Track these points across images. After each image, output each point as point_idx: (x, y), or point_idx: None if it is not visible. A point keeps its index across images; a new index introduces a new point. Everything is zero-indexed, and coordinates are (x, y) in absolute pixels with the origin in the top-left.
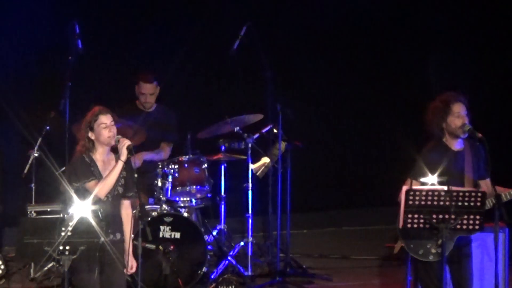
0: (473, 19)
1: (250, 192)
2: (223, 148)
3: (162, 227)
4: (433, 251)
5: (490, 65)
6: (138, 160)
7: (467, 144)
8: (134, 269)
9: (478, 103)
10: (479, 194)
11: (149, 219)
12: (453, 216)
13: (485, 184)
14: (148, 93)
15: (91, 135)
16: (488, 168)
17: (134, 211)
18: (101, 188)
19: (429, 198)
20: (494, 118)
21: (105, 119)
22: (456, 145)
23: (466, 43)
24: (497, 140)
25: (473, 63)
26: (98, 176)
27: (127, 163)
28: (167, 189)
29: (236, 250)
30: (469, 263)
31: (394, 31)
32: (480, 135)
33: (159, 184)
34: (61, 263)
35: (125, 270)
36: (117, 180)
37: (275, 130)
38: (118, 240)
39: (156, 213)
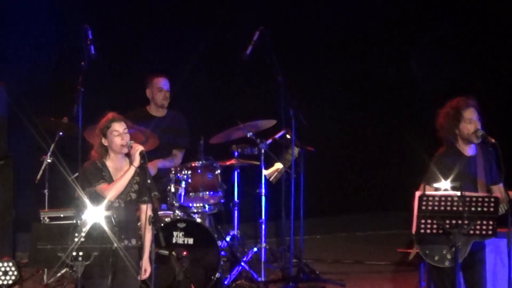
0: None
1: (263, 198)
2: (236, 153)
3: (175, 233)
4: (448, 257)
5: (492, 66)
6: (153, 168)
7: (479, 149)
8: (147, 275)
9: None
10: (492, 200)
11: (162, 225)
12: (466, 222)
13: (498, 189)
14: (166, 88)
15: (104, 142)
16: (501, 173)
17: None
18: (111, 191)
19: (442, 203)
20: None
21: (118, 127)
22: (469, 150)
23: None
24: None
25: (482, 65)
26: (109, 181)
27: (141, 168)
28: (180, 194)
29: (250, 255)
30: (482, 269)
31: (407, 36)
32: (493, 140)
33: (172, 189)
34: (74, 269)
35: (138, 276)
36: (130, 186)
37: (288, 136)
38: (132, 246)
39: (169, 219)
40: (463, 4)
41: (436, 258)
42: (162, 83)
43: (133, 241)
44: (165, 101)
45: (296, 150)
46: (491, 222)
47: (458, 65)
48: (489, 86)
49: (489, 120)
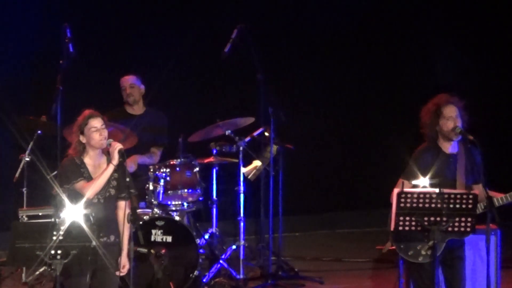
0: (470, 20)
1: (242, 195)
2: (214, 151)
3: (154, 231)
4: (423, 252)
5: (493, 67)
6: (133, 164)
7: (461, 147)
8: (125, 270)
9: (482, 105)
10: (471, 196)
11: (141, 223)
12: (444, 219)
13: (478, 189)
14: (127, 85)
15: (82, 139)
16: (481, 172)
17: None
18: (90, 189)
19: (421, 200)
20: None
21: (96, 123)
22: (450, 148)
23: (466, 42)
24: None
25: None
26: (88, 178)
27: (120, 166)
28: (158, 192)
29: (228, 253)
30: (462, 265)
31: (386, 34)
32: (471, 137)
33: (151, 187)
34: (53, 267)
35: (116, 272)
36: (109, 182)
37: (266, 133)
38: (112, 242)
39: (147, 216)
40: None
41: (410, 253)
42: (122, 82)
43: (112, 238)
44: (129, 97)
45: (274, 148)
46: (469, 219)
47: (447, 60)
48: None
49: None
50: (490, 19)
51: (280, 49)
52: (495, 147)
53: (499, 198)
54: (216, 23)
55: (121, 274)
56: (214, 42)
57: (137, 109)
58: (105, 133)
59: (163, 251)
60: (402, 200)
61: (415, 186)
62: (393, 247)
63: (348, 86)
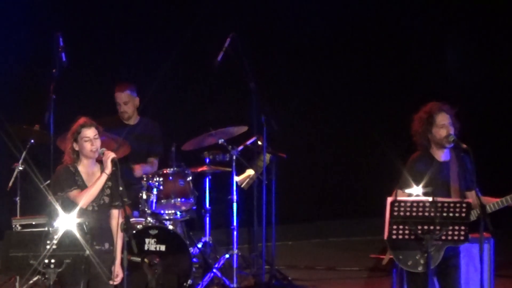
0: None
1: (235, 204)
2: (207, 160)
3: (147, 240)
4: (422, 262)
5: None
6: (139, 171)
7: (453, 154)
8: (119, 279)
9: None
10: (464, 205)
11: (134, 232)
12: (438, 227)
13: (471, 195)
14: (121, 102)
15: (75, 147)
16: (474, 179)
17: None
18: (84, 198)
19: (414, 209)
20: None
21: (89, 133)
22: (442, 155)
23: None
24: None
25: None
26: (82, 186)
27: (113, 175)
28: (152, 201)
29: (222, 262)
30: (457, 274)
31: (378, 42)
32: (465, 146)
33: (144, 196)
34: (46, 276)
35: (110, 281)
36: (102, 190)
37: (259, 142)
38: (106, 250)
39: (141, 225)
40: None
41: (409, 263)
42: (117, 97)
43: (106, 245)
44: (123, 115)
45: (267, 157)
46: (463, 228)
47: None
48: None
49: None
50: (492, 19)
51: (272, 58)
52: (489, 151)
53: (495, 203)
54: (208, 31)
55: (115, 283)
56: (207, 50)
57: (131, 120)
58: (98, 143)
59: (157, 260)
60: (396, 208)
61: (409, 195)
62: (392, 257)
63: (340, 95)
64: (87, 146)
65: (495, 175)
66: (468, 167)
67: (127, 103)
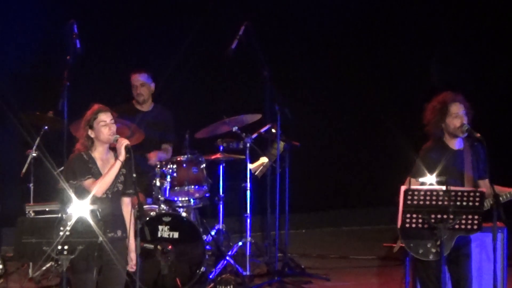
0: (475, 18)
1: (248, 192)
2: (221, 148)
3: (160, 227)
4: (433, 250)
5: (493, 64)
6: (154, 159)
7: (466, 143)
8: (135, 266)
9: (481, 102)
10: (478, 194)
11: (148, 218)
12: (451, 216)
13: (484, 184)
14: (138, 84)
15: (90, 133)
16: (487, 169)
17: (133, 211)
18: (99, 187)
19: (428, 198)
20: (497, 117)
21: (105, 117)
22: (456, 144)
23: (469, 41)
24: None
25: (475, 62)
26: (97, 174)
27: (127, 162)
28: (165, 189)
29: (235, 250)
30: (468, 263)
31: (393, 31)
32: (478, 135)
33: (158, 183)
34: (59, 262)
35: (128, 267)
36: (117, 177)
37: (273, 130)
38: (119, 237)
39: (154, 213)
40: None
41: (421, 251)
42: (134, 79)
43: (119, 232)
44: (139, 96)
45: (281, 145)
46: (476, 217)
47: (461, 63)
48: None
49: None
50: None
51: (286, 46)
52: (503, 141)
53: (507, 193)
54: (222, 19)
55: (132, 270)
56: (221, 38)
57: (145, 106)
58: (114, 128)
59: (170, 247)
60: (409, 197)
61: (422, 183)
62: (403, 245)
63: (354, 83)
64: (104, 130)
65: (508, 165)
66: (481, 157)
67: (144, 85)
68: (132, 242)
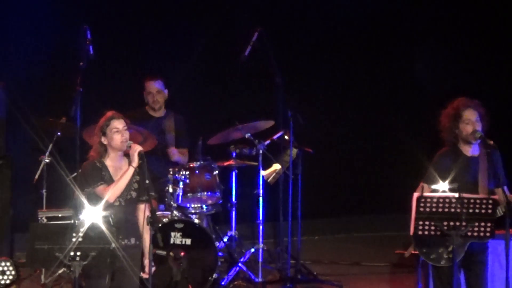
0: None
1: (261, 199)
2: (234, 154)
3: (173, 234)
4: (445, 256)
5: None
6: (175, 155)
7: (482, 150)
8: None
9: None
10: (490, 201)
11: (160, 225)
12: (464, 223)
13: (498, 192)
14: (155, 91)
15: (103, 140)
16: (501, 176)
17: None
18: (111, 193)
19: (440, 205)
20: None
21: (118, 124)
22: (471, 150)
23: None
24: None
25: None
26: (109, 181)
27: (140, 169)
28: (178, 195)
29: (247, 256)
30: (484, 270)
31: (405, 36)
32: (491, 142)
33: (170, 190)
34: (71, 269)
35: (142, 274)
36: (130, 185)
37: (286, 137)
38: (132, 245)
39: (167, 219)
40: (466, 3)
41: (433, 257)
42: (150, 86)
43: (132, 240)
44: (155, 104)
45: (294, 151)
46: (489, 224)
47: (462, 65)
48: (492, 86)
49: (492, 120)
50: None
51: (299, 52)
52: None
53: None
54: (235, 25)
55: (147, 277)
56: (234, 45)
57: (158, 112)
58: (127, 134)
59: (182, 253)
60: (422, 204)
61: (434, 190)
62: (416, 251)
63: (367, 89)
64: (117, 137)
65: None
66: (495, 164)
67: (160, 92)
68: (147, 249)
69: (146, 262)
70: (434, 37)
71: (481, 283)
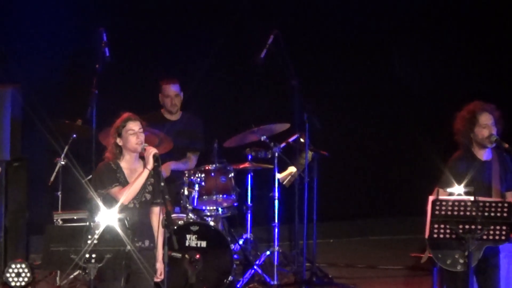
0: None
1: (276, 201)
2: (249, 157)
3: (188, 236)
4: (461, 261)
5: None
6: (165, 171)
7: (495, 154)
8: (162, 276)
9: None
10: (506, 205)
11: (175, 227)
12: (479, 227)
13: (509, 195)
14: (173, 95)
15: (119, 142)
16: None
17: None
18: (126, 195)
19: (456, 208)
20: None
21: (134, 126)
22: (484, 155)
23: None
24: None
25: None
26: (124, 183)
27: (155, 171)
28: (193, 197)
29: (262, 259)
30: (496, 274)
31: (419, 39)
32: (506, 145)
33: (186, 192)
34: (87, 271)
35: (154, 277)
36: (144, 187)
37: (301, 139)
38: (146, 247)
39: (182, 221)
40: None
41: (448, 262)
42: (168, 89)
43: (147, 243)
44: (173, 107)
45: (309, 154)
46: (504, 228)
47: (478, 68)
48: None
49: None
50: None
51: (315, 55)
52: None
53: None
54: (251, 28)
55: (158, 280)
56: (250, 47)
57: (174, 115)
58: (142, 137)
59: (197, 256)
60: (437, 208)
61: (450, 194)
62: (431, 255)
63: (383, 93)
64: (132, 139)
65: None
66: (510, 167)
67: (177, 95)
68: (160, 252)
69: (158, 265)
70: (451, 40)
71: (494, 286)
